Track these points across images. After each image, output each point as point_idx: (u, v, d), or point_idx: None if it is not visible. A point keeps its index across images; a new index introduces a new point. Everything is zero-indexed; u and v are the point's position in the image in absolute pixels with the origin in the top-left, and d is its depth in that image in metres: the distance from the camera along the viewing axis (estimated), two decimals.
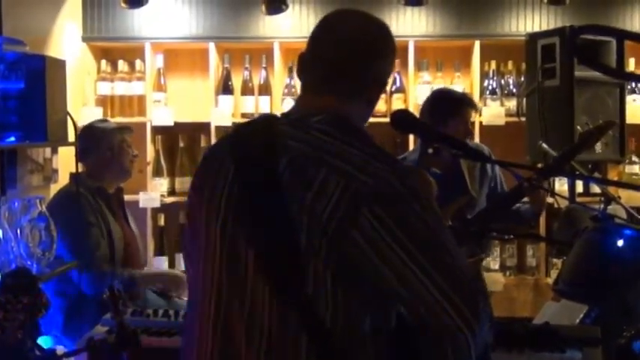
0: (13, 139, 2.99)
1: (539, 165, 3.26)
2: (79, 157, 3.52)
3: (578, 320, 2.92)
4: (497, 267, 4.82)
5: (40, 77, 3.02)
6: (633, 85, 4.66)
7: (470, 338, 1.52)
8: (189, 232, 1.75)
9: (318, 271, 1.52)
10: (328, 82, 1.70)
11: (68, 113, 3.30)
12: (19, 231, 2.80)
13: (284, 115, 1.76)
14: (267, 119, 1.75)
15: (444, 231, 1.56)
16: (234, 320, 1.58)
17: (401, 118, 2.03)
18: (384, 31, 1.76)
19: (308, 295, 1.52)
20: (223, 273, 1.61)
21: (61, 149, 3.95)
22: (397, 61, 4.74)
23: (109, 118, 4.18)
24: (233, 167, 1.65)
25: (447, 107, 3.56)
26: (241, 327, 1.57)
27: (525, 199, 3.45)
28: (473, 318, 1.52)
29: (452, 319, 1.51)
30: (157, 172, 4.77)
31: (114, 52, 4.91)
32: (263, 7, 4.49)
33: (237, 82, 4.84)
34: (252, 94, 4.83)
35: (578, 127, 3.12)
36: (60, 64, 3.28)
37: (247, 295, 1.57)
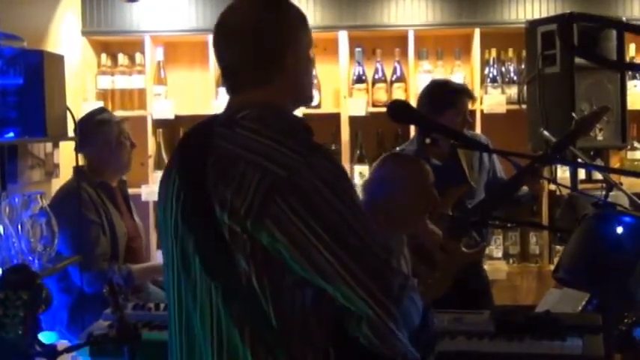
0: (12, 134, 3.00)
1: (539, 153, 3.26)
2: (78, 148, 3.53)
3: (580, 307, 2.92)
4: (500, 255, 4.81)
5: (38, 72, 3.02)
6: None
7: (386, 319, 1.57)
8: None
9: (245, 265, 1.58)
10: (234, 77, 1.74)
11: (67, 108, 3.30)
12: (20, 226, 2.81)
13: (220, 114, 1.79)
14: (207, 121, 1.79)
15: (357, 215, 1.60)
16: (191, 316, 1.68)
17: (397, 109, 2.03)
18: (258, 5, 1.77)
19: (243, 288, 1.59)
20: (180, 273, 1.70)
21: (63, 144, 3.95)
22: (397, 50, 4.74)
23: (106, 108, 4.04)
24: (177, 172, 1.72)
25: (444, 98, 3.57)
26: (196, 322, 1.66)
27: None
28: (387, 300, 1.57)
29: (365, 302, 1.56)
30: (159, 166, 4.76)
31: (114, 45, 4.91)
32: None
33: None
34: None
35: (574, 115, 3.12)
36: (58, 59, 3.28)
37: (197, 294, 1.66)
